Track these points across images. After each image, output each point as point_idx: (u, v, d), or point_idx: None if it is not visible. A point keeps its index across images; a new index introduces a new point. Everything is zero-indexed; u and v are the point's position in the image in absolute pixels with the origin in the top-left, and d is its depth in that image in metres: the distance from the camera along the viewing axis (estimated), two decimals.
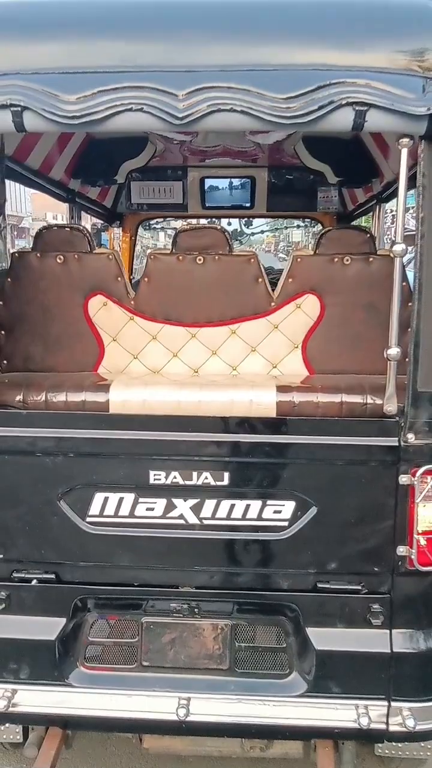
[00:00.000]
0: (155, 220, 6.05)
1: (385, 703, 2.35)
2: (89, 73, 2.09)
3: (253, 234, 8.33)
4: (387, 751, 2.49)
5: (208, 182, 5.09)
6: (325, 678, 2.37)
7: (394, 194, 4.18)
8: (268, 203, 5.19)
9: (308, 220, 6.31)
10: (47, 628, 2.42)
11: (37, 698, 2.41)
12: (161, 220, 6.13)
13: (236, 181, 5.11)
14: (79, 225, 3.18)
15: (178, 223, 6.56)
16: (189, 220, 5.44)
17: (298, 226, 7.58)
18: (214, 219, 5.55)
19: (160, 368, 2.99)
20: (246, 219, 6.47)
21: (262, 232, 9.66)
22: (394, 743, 2.45)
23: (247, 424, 2.35)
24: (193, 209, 5.23)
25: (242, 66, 2.06)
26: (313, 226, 6.44)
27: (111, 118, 2.07)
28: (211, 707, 2.36)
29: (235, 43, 2.11)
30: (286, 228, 12.09)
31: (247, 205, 5.21)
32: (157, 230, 8.23)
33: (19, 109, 2.08)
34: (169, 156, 4.70)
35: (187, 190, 5.09)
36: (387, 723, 2.35)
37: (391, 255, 2.32)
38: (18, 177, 3.51)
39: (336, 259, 2.90)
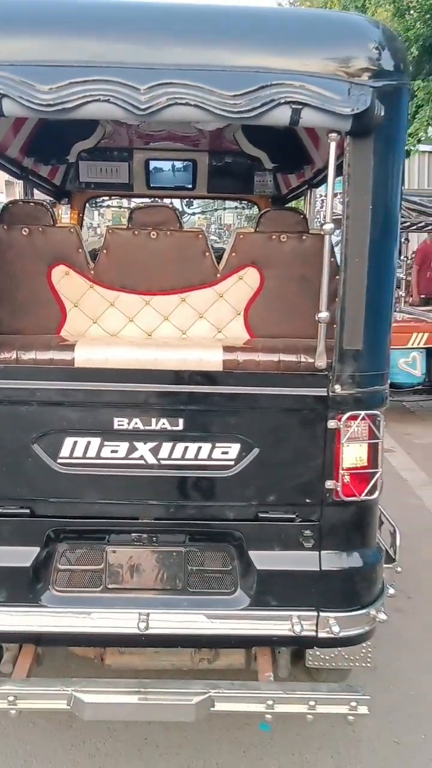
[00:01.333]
0: (101, 198, 6.29)
1: (315, 613, 2.71)
2: (62, 67, 2.33)
3: (194, 214, 8.65)
4: (316, 663, 2.85)
5: (153, 164, 5.33)
6: (265, 593, 2.73)
7: (323, 180, 4.56)
8: (209, 185, 5.47)
9: (243, 203, 6.67)
10: (23, 556, 2.69)
11: (13, 618, 2.69)
12: (105, 198, 6.36)
13: (179, 164, 5.37)
14: (42, 201, 3.43)
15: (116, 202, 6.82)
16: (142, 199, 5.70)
17: (235, 208, 7.91)
18: (156, 199, 5.83)
19: (117, 332, 3.26)
20: (187, 200, 6.77)
21: (203, 212, 9.99)
22: (321, 655, 2.83)
23: (199, 376, 2.68)
24: (138, 189, 5.46)
25: (197, 66, 2.35)
26: (249, 208, 6.79)
27: (81, 107, 2.33)
28: (167, 621, 2.68)
29: (191, 45, 2.40)
30: (217, 210, 12.56)
31: (189, 186, 5.48)
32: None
33: None
34: (116, 138, 4.93)
35: (132, 170, 5.32)
36: (316, 630, 2.72)
37: (322, 233, 2.71)
38: None
39: (274, 237, 3.21)
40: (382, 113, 2.42)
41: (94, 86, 2.32)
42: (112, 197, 6.36)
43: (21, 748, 3.05)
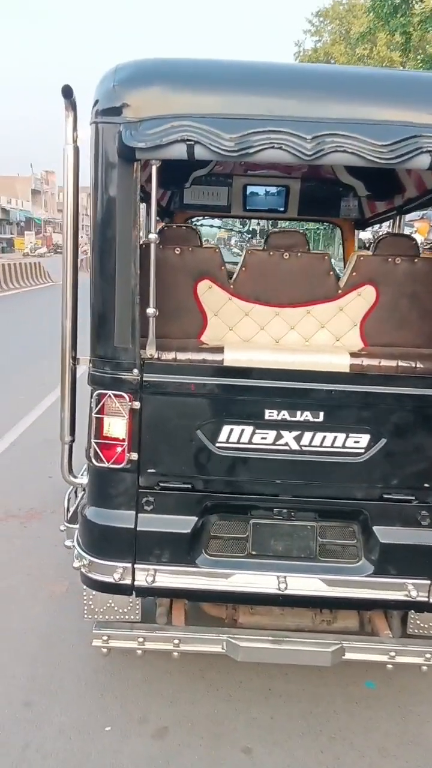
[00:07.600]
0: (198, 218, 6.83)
1: (429, 582, 3.18)
2: (243, 119, 2.86)
3: None
4: (417, 631, 3.32)
5: (250, 188, 5.87)
6: (386, 563, 3.19)
7: (414, 208, 5.08)
8: (299, 209, 6.00)
9: (324, 224, 7.19)
10: (184, 524, 3.18)
11: (174, 577, 3.19)
12: (202, 218, 6.91)
13: (273, 189, 5.90)
14: (192, 225, 3.93)
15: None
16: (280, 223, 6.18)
17: (317, 230, 8.48)
18: (249, 219, 6.34)
19: (250, 338, 3.78)
20: (273, 221, 7.29)
21: None
22: (421, 623, 3.29)
23: (338, 376, 3.18)
24: (235, 211, 5.98)
25: (353, 120, 2.84)
26: (327, 228, 7.30)
27: (258, 153, 2.85)
28: (302, 584, 3.16)
29: (348, 103, 2.90)
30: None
31: (281, 209, 6.02)
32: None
33: (192, 142, 2.86)
34: (222, 165, 5.50)
35: (231, 194, 5.85)
36: (429, 596, 3.19)
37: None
38: None
39: (389, 259, 3.69)
40: None
41: (269, 135, 2.83)
42: (212, 217, 6.89)
43: (165, 690, 3.55)
